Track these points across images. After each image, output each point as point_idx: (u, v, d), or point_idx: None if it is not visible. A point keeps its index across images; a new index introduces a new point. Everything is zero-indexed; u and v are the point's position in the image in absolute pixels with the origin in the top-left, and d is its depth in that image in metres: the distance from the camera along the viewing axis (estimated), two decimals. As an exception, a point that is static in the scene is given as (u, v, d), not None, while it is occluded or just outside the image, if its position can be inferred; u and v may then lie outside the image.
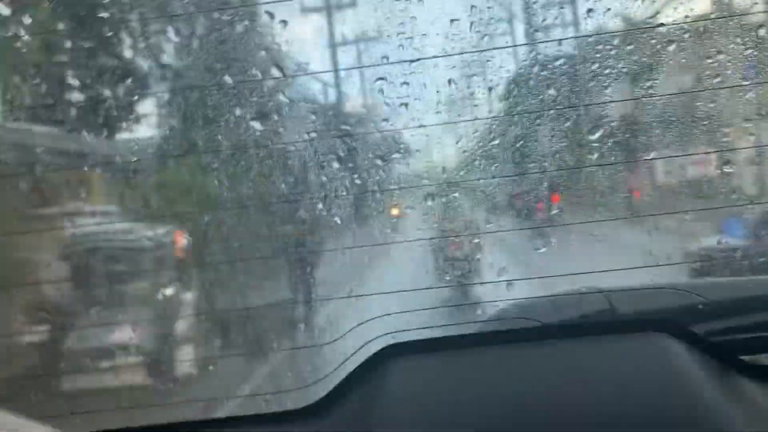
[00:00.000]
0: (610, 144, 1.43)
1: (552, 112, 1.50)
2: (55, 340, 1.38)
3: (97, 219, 1.57)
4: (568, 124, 1.49)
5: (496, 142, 1.49)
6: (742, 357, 0.95)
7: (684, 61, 1.41)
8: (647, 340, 0.98)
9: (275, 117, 1.39)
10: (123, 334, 1.43)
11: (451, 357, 1.06)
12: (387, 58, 1.42)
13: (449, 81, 1.43)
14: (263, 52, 1.42)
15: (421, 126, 1.39)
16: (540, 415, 0.88)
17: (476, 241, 1.35)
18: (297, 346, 1.33)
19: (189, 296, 1.44)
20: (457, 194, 1.42)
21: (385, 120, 1.42)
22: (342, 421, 1.00)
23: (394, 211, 1.37)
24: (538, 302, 1.26)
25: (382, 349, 1.07)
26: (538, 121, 1.50)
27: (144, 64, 1.69)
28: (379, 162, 1.39)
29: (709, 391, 0.86)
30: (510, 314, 1.21)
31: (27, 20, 1.31)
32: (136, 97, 1.59)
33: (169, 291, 1.51)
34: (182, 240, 1.52)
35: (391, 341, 1.10)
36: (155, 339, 1.48)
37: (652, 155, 1.39)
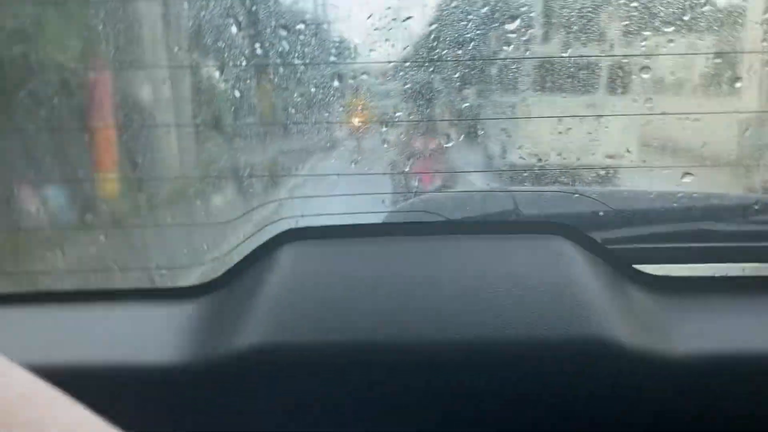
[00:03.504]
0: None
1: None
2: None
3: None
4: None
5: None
6: (635, 266, 0.99)
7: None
8: (546, 243, 1.01)
9: None
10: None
11: (350, 245, 1.06)
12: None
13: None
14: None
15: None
16: (429, 309, 0.89)
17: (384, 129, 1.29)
18: (197, 223, 1.26)
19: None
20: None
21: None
22: (233, 301, 0.98)
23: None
24: (443, 197, 1.25)
25: (282, 232, 1.04)
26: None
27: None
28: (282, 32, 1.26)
29: (600, 294, 0.90)
30: (414, 207, 1.20)
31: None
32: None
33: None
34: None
35: (293, 225, 1.07)
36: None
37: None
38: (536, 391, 0.85)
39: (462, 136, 1.29)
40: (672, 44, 1.23)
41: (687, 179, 1.12)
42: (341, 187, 1.19)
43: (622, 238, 1.07)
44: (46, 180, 1.33)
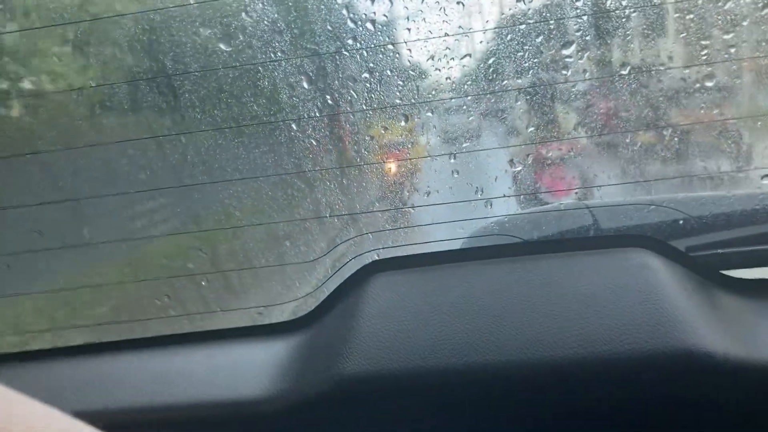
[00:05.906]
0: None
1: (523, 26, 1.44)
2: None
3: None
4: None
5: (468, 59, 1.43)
6: (723, 271, 0.97)
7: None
8: (627, 256, 1.00)
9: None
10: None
11: (432, 273, 1.08)
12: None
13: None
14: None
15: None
16: (516, 330, 0.89)
17: (453, 161, 1.33)
18: (285, 262, 1.32)
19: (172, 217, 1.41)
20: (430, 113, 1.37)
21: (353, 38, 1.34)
22: (326, 334, 1.02)
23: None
24: (520, 218, 1.26)
25: (367, 265, 1.08)
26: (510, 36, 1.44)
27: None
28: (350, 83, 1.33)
29: (687, 304, 0.88)
30: (491, 231, 1.22)
31: None
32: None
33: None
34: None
35: (376, 257, 1.11)
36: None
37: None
38: (629, 407, 0.83)
39: (530, 160, 1.32)
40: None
41: (766, 181, 1.09)
42: (418, 219, 1.23)
43: (706, 245, 1.04)
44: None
